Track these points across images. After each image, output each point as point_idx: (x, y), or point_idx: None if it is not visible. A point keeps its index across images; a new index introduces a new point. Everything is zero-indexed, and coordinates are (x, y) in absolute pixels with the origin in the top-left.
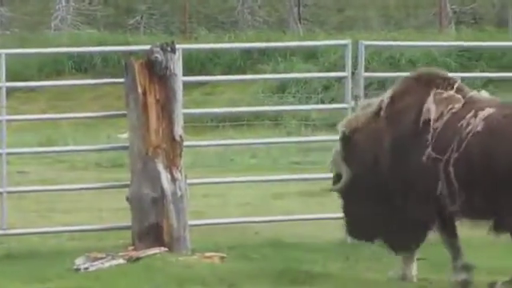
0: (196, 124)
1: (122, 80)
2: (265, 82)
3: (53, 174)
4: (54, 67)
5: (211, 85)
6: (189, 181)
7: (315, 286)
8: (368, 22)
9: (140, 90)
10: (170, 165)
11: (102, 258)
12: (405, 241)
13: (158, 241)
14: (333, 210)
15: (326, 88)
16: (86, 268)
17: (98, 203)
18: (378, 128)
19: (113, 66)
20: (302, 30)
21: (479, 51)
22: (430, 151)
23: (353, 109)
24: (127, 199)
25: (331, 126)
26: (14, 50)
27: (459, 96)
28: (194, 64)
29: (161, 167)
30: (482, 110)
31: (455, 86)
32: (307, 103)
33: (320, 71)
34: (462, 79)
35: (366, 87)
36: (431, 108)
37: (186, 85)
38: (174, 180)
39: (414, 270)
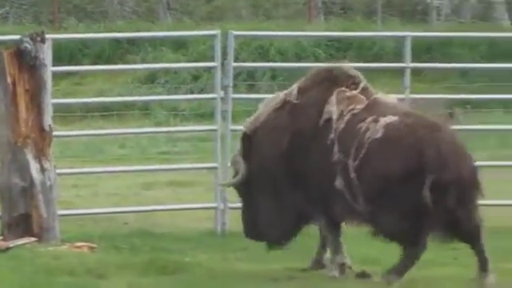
0: (65, 114)
1: None
2: (134, 72)
3: None
4: None
5: (80, 75)
6: (58, 171)
7: (184, 275)
8: (237, 12)
9: (9, 80)
10: (40, 155)
11: None
12: (283, 235)
13: (28, 231)
14: (202, 200)
15: (196, 78)
16: None
17: None
18: (281, 123)
19: None
20: (171, 20)
21: (348, 41)
22: (332, 152)
23: (222, 99)
24: None
25: (200, 116)
26: None
27: (362, 97)
28: (63, 54)
29: (30, 157)
30: (384, 116)
31: (360, 86)
32: (176, 93)
33: (189, 61)
34: None
35: (236, 77)
36: (332, 108)
37: (55, 75)
38: (43, 170)
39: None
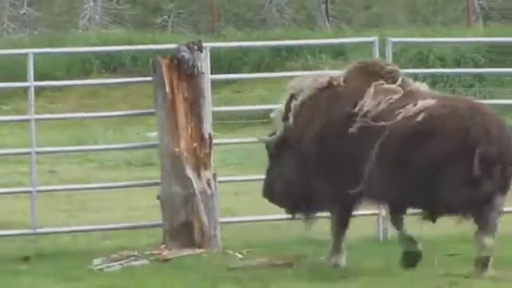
0: (226, 122)
1: (150, 78)
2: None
3: (83, 173)
4: (82, 67)
5: (240, 83)
6: (219, 179)
7: (347, 283)
8: (395, 19)
9: (168, 89)
10: (200, 163)
11: (122, 259)
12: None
13: (189, 239)
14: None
15: None
16: (101, 269)
17: (129, 202)
18: (320, 104)
19: (141, 65)
20: (329, 27)
21: (508, 47)
22: (368, 137)
23: None
24: (158, 198)
25: None
26: (43, 50)
27: (399, 88)
28: (222, 62)
29: (190, 165)
30: (423, 99)
31: (398, 80)
32: None
33: None
34: (493, 75)
35: None
36: (369, 99)
37: (215, 83)
38: (203, 178)
39: (343, 259)
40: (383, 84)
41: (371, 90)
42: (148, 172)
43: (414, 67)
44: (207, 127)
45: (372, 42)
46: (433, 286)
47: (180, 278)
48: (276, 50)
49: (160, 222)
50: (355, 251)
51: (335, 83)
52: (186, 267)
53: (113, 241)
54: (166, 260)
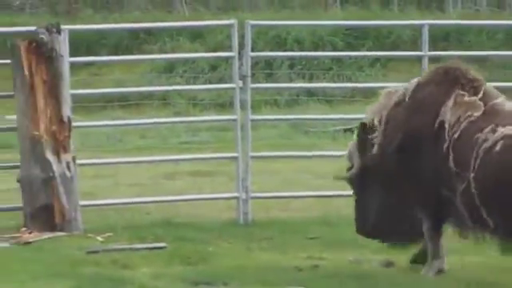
0: (84, 104)
1: (8, 61)
2: (152, 62)
3: None
4: None
5: (98, 65)
6: (78, 161)
7: (207, 265)
8: (253, 2)
9: (26, 72)
10: (59, 146)
11: None
12: (403, 235)
13: (50, 222)
14: (224, 190)
15: (214, 68)
16: None
17: None
18: (397, 119)
19: None
20: (187, 10)
21: (365, 30)
22: (447, 163)
23: (240, 89)
24: (18, 181)
25: (220, 106)
26: None
27: (480, 103)
28: (80, 45)
29: (49, 148)
30: (503, 126)
31: (481, 91)
32: (195, 83)
33: (207, 51)
34: (350, 58)
35: (253, 67)
36: (448, 112)
37: (73, 66)
38: (63, 161)
39: (445, 262)
40: (464, 96)
41: (451, 102)
42: (6, 155)
43: (271, 50)
44: (66, 110)
45: (231, 25)
46: (294, 270)
47: (40, 261)
48: (134, 32)
49: (20, 205)
50: (215, 233)
51: (407, 94)
52: (47, 250)
53: None
54: (26, 243)
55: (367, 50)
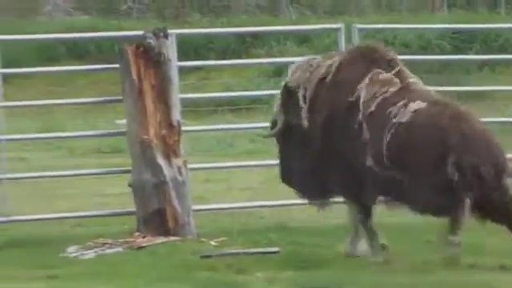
0: (194, 109)
1: (116, 66)
2: (260, 66)
3: (52, 161)
4: (47, 54)
5: (207, 70)
6: (189, 166)
7: (322, 270)
8: (359, 5)
9: (135, 76)
10: (169, 150)
11: (97, 247)
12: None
13: (163, 226)
14: None
15: None
16: (76, 257)
17: (101, 189)
18: (320, 92)
19: (106, 52)
20: (293, 14)
21: (473, 33)
22: (361, 133)
23: None
24: (130, 185)
25: None
26: (9, 37)
27: (396, 80)
28: (187, 49)
29: (159, 153)
30: (413, 101)
31: (396, 69)
32: None
33: (314, 55)
34: (458, 62)
35: None
36: (364, 89)
37: (182, 70)
38: (173, 165)
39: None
40: (380, 73)
41: (367, 79)
42: (117, 159)
43: None
44: (176, 114)
45: (338, 29)
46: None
47: (155, 266)
48: (241, 36)
49: (132, 209)
50: (329, 237)
51: (330, 72)
52: (161, 255)
53: (85, 228)
54: (140, 248)
55: (475, 54)
